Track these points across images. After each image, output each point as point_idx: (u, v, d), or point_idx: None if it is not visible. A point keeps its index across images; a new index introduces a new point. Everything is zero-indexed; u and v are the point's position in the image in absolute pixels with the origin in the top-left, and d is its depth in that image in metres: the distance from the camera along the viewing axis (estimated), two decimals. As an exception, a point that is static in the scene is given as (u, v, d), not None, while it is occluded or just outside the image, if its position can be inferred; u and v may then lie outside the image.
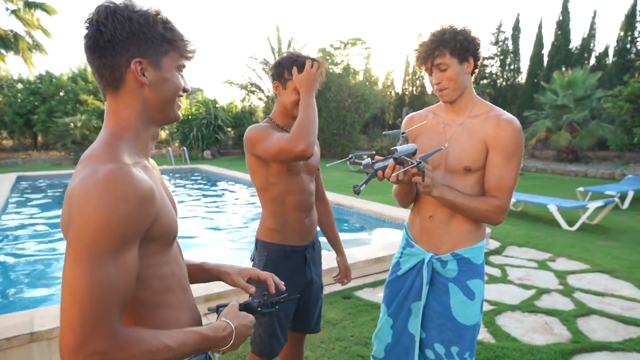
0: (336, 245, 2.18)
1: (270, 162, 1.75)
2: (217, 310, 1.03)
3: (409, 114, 1.86)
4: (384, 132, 1.63)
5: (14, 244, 5.51)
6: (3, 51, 14.12)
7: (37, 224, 6.52)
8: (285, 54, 1.80)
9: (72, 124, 15.44)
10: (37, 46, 14.60)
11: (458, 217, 1.62)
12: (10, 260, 4.84)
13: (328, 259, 3.94)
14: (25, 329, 2.48)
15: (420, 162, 1.36)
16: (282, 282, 1.21)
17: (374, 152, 1.49)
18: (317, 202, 2.09)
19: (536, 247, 5.09)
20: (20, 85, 20.28)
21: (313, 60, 1.74)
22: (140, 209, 0.77)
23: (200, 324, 1.02)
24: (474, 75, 1.64)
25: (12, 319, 2.62)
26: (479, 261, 1.65)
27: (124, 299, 0.76)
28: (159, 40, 0.88)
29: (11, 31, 14.03)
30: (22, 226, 6.36)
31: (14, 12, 14.06)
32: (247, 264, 1.92)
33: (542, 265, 4.45)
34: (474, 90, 1.66)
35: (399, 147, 1.39)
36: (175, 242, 0.99)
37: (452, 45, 1.52)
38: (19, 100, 19.13)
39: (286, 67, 1.74)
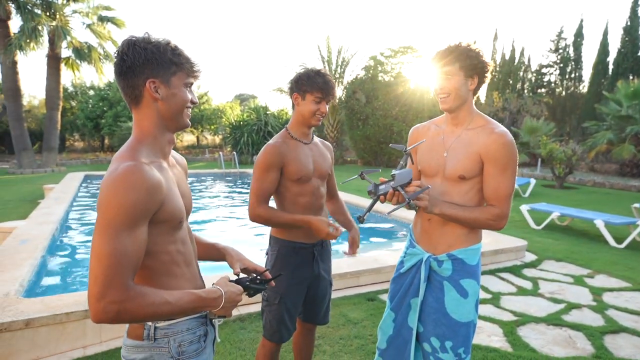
0: (348, 224, 2.29)
1: (286, 173, 1.96)
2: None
3: (427, 121, 2.01)
4: (390, 145, 1.80)
5: (78, 232, 6.15)
6: (78, 61, 15.51)
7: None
8: (308, 69, 2.00)
9: (134, 128, 16.59)
10: (107, 56, 15.86)
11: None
12: (74, 247, 5.41)
13: (353, 262, 4.09)
14: (82, 307, 2.85)
15: (409, 201, 1.54)
16: (270, 276, 1.39)
17: (379, 170, 1.69)
18: (330, 201, 2.28)
19: (575, 262, 4.93)
20: (91, 92, 22.10)
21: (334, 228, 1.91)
22: (148, 196, 1.02)
23: None
24: (475, 94, 1.76)
25: (72, 298, 3.02)
26: (473, 262, 1.76)
27: (135, 264, 1.02)
28: (168, 64, 1.12)
29: (86, 43, 15.39)
30: (86, 218, 7.03)
31: (88, 26, 15.43)
32: (264, 258, 2.14)
33: (578, 280, 4.33)
34: (474, 106, 1.79)
35: (397, 173, 1.57)
36: (184, 226, 1.23)
37: (462, 58, 1.66)
38: (89, 106, 20.85)
39: (308, 80, 1.94)
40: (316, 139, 2.15)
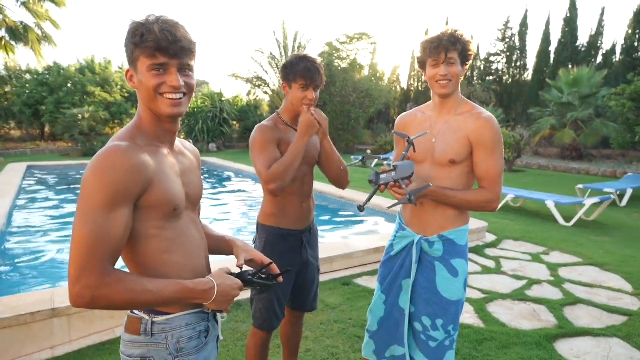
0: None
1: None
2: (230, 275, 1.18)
3: (412, 109, 2.02)
4: (393, 131, 1.81)
5: (27, 226, 5.74)
6: (13, 42, 14.32)
7: (49, 210, 6.75)
8: (292, 56, 1.96)
9: (79, 115, 15.65)
10: (46, 38, 14.78)
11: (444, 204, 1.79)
12: (27, 243, 5.06)
13: (329, 248, 4.13)
14: (47, 305, 2.67)
15: (410, 198, 1.55)
16: (278, 270, 1.30)
17: (382, 157, 1.69)
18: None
19: (531, 241, 5.25)
20: (28, 76, 20.50)
21: (308, 106, 1.87)
22: (127, 176, 0.96)
23: None
24: (460, 81, 1.81)
25: (35, 297, 2.82)
26: (463, 242, 1.82)
27: (114, 247, 0.96)
28: (132, 49, 1.04)
29: (21, 23, 14.22)
30: (35, 212, 6.59)
31: (23, 3, 14.24)
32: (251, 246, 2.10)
33: (535, 258, 4.62)
34: (460, 92, 1.84)
35: (399, 165, 1.57)
36: (185, 215, 1.15)
37: (463, 47, 1.72)
38: (27, 91, 19.36)
39: (291, 69, 1.89)
40: None
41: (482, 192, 1.74)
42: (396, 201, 1.58)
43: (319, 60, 1.94)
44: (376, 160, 1.70)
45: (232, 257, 1.32)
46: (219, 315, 1.24)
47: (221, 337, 1.28)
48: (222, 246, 1.36)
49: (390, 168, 1.61)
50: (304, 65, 1.88)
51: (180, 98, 1.08)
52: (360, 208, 1.61)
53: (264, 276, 1.23)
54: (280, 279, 1.27)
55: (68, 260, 0.94)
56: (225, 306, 1.12)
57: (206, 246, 1.26)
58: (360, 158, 1.69)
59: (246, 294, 2.97)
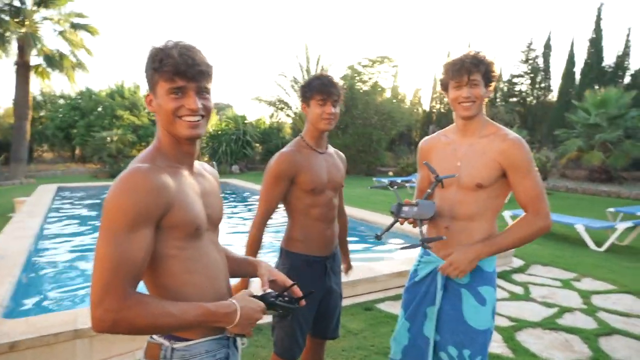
0: (344, 251, 2.36)
1: (299, 182, 1.91)
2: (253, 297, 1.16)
3: (435, 132, 2.00)
4: (424, 162, 1.82)
5: (56, 246, 5.88)
6: (49, 69, 15.01)
7: (77, 230, 6.90)
8: (312, 77, 1.98)
9: (108, 138, 16.15)
10: (79, 64, 15.42)
11: (470, 229, 1.74)
12: (55, 263, 5.17)
13: (351, 272, 4.06)
14: (70, 327, 2.70)
15: (423, 243, 1.59)
16: (301, 293, 1.27)
17: (407, 185, 1.71)
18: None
19: (561, 266, 5.05)
20: (61, 101, 21.41)
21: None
22: (148, 197, 0.97)
23: None
24: (484, 103, 1.78)
25: (59, 317, 2.86)
26: (490, 269, 1.76)
27: (136, 269, 0.96)
28: (151, 74, 1.07)
29: (57, 50, 14.92)
30: (64, 231, 6.75)
31: (60, 32, 14.97)
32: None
33: (566, 284, 4.42)
34: (484, 114, 1.80)
35: (421, 203, 1.59)
36: (206, 237, 1.15)
37: (486, 68, 1.70)
38: (60, 115, 20.18)
39: (308, 87, 1.93)
40: (331, 149, 2.10)
41: (529, 219, 1.67)
42: (408, 244, 1.59)
43: (335, 77, 1.96)
44: (396, 186, 1.70)
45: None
46: (239, 341, 1.21)
47: None
48: (245, 267, 1.35)
49: (414, 202, 1.59)
50: (320, 82, 1.90)
51: (199, 120, 1.09)
52: (378, 237, 1.61)
53: (287, 299, 1.20)
54: (303, 302, 1.24)
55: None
56: (248, 330, 1.09)
57: (227, 267, 1.24)
58: (388, 182, 1.68)
59: (267, 318, 2.94)
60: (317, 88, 1.89)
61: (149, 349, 1.09)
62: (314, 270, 1.97)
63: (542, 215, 1.66)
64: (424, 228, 1.61)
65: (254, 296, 1.15)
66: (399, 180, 1.67)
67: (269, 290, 1.22)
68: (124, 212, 0.94)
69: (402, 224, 1.62)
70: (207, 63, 1.09)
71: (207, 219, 1.15)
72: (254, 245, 1.95)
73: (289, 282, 1.28)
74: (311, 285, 1.93)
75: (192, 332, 1.09)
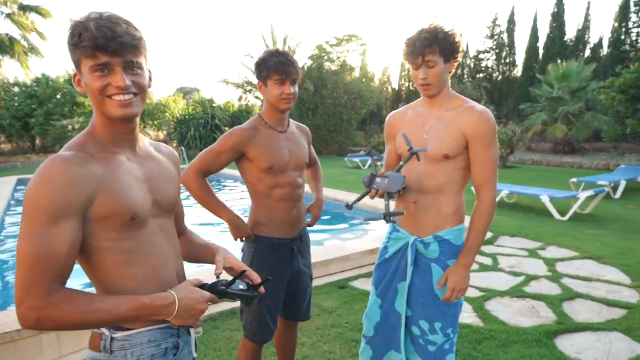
0: (315, 193, 2.24)
1: (252, 160, 1.86)
2: (201, 287, 1.08)
3: (402, 107, 1.98)
4: (403, 133, 1.76)
5: (16, 241, 5.63)
6: (-1, 55, 14.22)
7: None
8: (264, 52, 1.89)
9: (69, 126, 15.51)
10: (32, 49, 14.66)
11: (439, 202, 1.75)
12: (15, 257, 4.96)
13: (324, 251, 4.08)
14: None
15: (385, 217, 1.58)
16: (259, 279, 1.20)
17: (372, 153, 1.66)
18: (309, 168, 2.23)
19: (527, 236, 5.22)
20: (16, 89, 20.31)
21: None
22: (67, 189, 0.90)
23: None
24: (451, 74, 1.76)
25: (5, 317, 2.73)
26: (459, 242, 1.77)
27: (59, 264, 0.90)
28: (72, 50, 0.97)
29: (6, 35, 14.09)
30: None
31: (8, 15, 14.11)
32: (240, 256, 2.03)
33: (532, 253, 4.58)
34: (450, 87, 1.78)
35: (391, 176, 1.56)
36: (156, 223, 1.09)
37: (443, 45, 1.64)
38: (15, 104, 19.17)
39: (264, 65, 1.84)
40: (292, 125, 2.04)
41: (483, 208, 1.70)
42: (374, 216, 1.60)
43: (291, 53, 1.90)
44: (370, 160, 1.69)
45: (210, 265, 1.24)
46: (192, 330, 1.15)
47: (195, 354, 1.18)
48: (205, 254, 1.28)
49: (386, 175, 1.57)
50: (277, 60, 1.82)
51: (130, 98, 1.00)
52: (348, 206, 1.60)
53: (242, 287, 1.12)
54: (262, 289, 1.17)
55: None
56: (191, 321, 1.04)
57: (178, 255, 1.17)
58: (367, 152, 1.67)
59: (226, 305, 2.91)
60: (274, 67, 1.81)
61: (92, 339, 1.05)
62: (280, 253, 1.94)
63: (491, 195, 1.70)
64: (391, 203, 1.59)
65: (203, 285, 1.09)
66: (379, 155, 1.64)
67: (220, 278, 1.14)
68: (40, 205, 0.88)
69: (372, 197, 1.59)
70: (133, 34, 0.98)
71: (155, 204, 1.08)
72: (198, 192, 1.90)
73: (243, 267, 1.21)
74: (277, 268, 1.92)
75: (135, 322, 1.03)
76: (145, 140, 1.16)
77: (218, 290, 1.08)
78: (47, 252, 0.88)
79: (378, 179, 1.55)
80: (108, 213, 0.97)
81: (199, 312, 1.03)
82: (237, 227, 1.93)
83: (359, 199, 1.55)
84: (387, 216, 1.56)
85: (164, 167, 1.16)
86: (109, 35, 0.93)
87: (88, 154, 0.97)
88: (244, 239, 1.96)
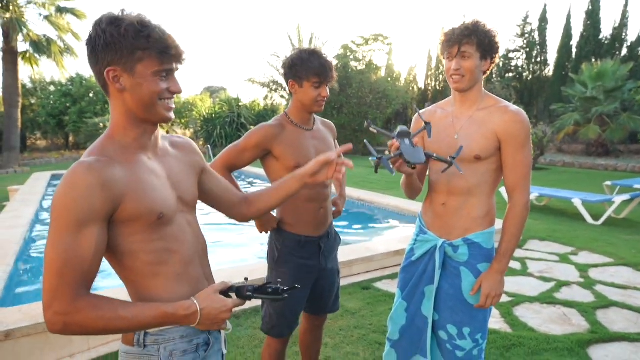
0: (339, 188, 2.23)
1: (279, 158, 1.84)
2: (228, 290, 1.08)
3: (431, 106, 1.93)
4: (417, 109, 1.68)
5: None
6: (37, 55, 14.68)
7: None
8: (295, 51, 1.86)
9: (101, 124, 15.95)
10: (68, 50, 15.06)
11: (469, 204, 1.70)
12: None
13: (348, 252, 4.05)
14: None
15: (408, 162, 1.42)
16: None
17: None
18: None
19: (558, 241, 5.05)
20: (52, 88, 21.08)
21: None
22: (91, 194, 0.91)
23: None
24: (485, 75, 1.71)
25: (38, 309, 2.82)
26: (490, 246, 1.72)
27: (85, 269, 0.92)
28: (130, 49, 0.95)
29: (44, 36, 14.56)
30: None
31: (46, 17, 14.58)
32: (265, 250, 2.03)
33: (563, 258, 4.43)
34: (483, 87, 1.73)
35: (418, 149, 1.44)
36: (184, 219, 1.10)
37: (482, 39, 1.60)
38: (51, 102, 19.90)
39: (303, 66, 1.80)
40: (318, 121, 2.01)
41: (516, 212, 1.65)
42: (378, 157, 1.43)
43: (328, 55, 1.87)
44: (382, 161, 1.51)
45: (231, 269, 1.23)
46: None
47: (225, 351, 1.20)
48: (287, 185, 1.30)
49: (416, 146, 1.45)
50: (318, 62, 1.79)
51: (174, 103, 1.06)
52: (369, 124, 1.48)
53: (269, 290, 1.09)
54: (286, 295, 1.12)
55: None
56: (214, 328, 1.05)
57: (205, 251, 1.19)
58: (379, 159, 1.49)
59: (249, 303, 2.92)
60: (315, 70, 1.78)
61: (125, 334, 1.06)
62: (307, 251, 1.92)
63: (524, 197, 1.65)
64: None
65: (230, 288, 1.08)
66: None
67: (247, 283, 1.12)
68: (66, 212, 0.90)
69: (390, 147, 1.45)
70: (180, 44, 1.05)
71: (180, 200, 1.09)
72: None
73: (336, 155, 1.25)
74: (304, 266, 1.90)
75: None
76: (160, 136, 1.17)
77: (244, 296, 1.07)
78: (73, 257, 0.90)
79: (407, 141, 1.45)
80: (135, 215, 0.98)
81: (221, 321, 1.04)
82: (264, 221, 1.91)
83: (381, 133, 1.49)
84: (377, 164, 1.44)
85: (182, 163, 1.17)
86: (176, 45, 1.00)
87: (109, 158, 0.97)
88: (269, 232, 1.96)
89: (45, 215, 6.94)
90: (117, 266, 1.04)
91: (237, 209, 1.33)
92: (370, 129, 1.46)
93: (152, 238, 1.02)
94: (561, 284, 3.70)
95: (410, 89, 22.19)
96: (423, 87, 23.62)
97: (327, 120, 2.12)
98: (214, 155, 16.44)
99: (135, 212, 0.98)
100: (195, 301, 1.01)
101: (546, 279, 3.83)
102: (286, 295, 1.08)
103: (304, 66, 1.79)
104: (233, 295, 1.08)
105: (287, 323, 1.94)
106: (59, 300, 0.89)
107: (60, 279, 0.89)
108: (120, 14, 0.97)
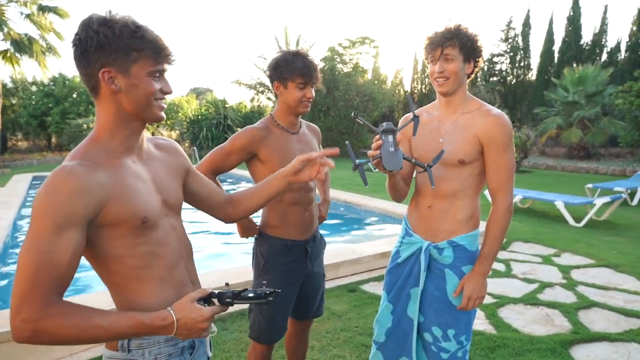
0: (323, 192, 2.24)
1: (264, 161, 1.83)
2: (209, 296, 1.05)
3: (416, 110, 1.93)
4: (410, 114, 1.61)
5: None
6: (18, 54, 14.38)
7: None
8: (279, 53, 1.86)
9: (84, 125, 15.71)
10: (50, 49, 14.79)
11: (454, 207, 1.71)
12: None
13: (334, 254, 4.05)
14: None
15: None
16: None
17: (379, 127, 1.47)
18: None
19: (542, 242, 5.13)
20: (34, 88, 20.68)
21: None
22: (72, 199, 0.89)
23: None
24: (469, 79, 1.73)
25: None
26: (474, 248, 1.74)
27: (59, 275, 0.88)
28: (126, 50, 0.95)
29: (25, 35, 14.28)
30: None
31: (28, 16, 14.29)
32: (250, 256, 2.02)
33: (546, 260, 4.50)
34: (467, 90, 1.75)
35: (399, 154, 1.43)
36: (168, 223, 1.09)
37: (464, 41, 1.62)
38: (33, 103, 19.52)
39: (287, 67, 1.80)
40: (303, 125, 2.01)
41: (499, 214, 1.66)
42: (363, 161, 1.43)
43: (314, 57, 1.87)
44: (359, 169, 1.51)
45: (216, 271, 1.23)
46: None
47: (210, 354, 1.19)
48: (270, 185, 1.29)
49: (397, 149, 1.44)
50: (302, 62, 1.79)
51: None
52: (355, 166, 1.43)
53: (252, 295, 1.06)
54: (270, 298, 1.09)
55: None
56: (193, 336, 1.01)
57: (190, 255, 1.18)
58: (355, 165, 1.43)
59: (235, 306, 2.90)
60: (299, 71, 1.78)
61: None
62: (293, 255, 1.91)
63: (507, 201, 1.66)
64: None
65: (210, 294, 1.05)
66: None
67: (227, 289, 1.08)
68: (45, 215, 0.87)
69: (373, 148, 1.44)
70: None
71: (164, 204, 1.08)
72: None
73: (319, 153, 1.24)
74: (290, 270, 1.89)
75: None
76: (145, 139, 1.15)
77: (224, 302, 1.05)
78: (47, 261, 0.86)
79: (390, 138, 1.42)
80: (119, 219, 0.96)
81: (199, 330, 1.00)
82: (245, 227, 1.91)
83: (366, 125, 1.50)
84: (357, 165, 1.42)
85: (166, 165, 1.16)
86: (167, 46, 1.01)
87: (93, 162, 0.96)
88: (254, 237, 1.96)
89: (26, 219, 6.80)
90: (101, 270, 1.02)
91: (222, 210, 1.32)
92: (357, 119, 1.46)
93: (137, 242, 1.00)
94: (544, 285, 3.76)
95: (397, 92, 22.35)
96: (409, 90, 23.80)
97: (312, 124, 2.12)
98: (200, 158, 16.31)
99: (118, 216, 0.96)
100: (171, 311, 0.97)
101: (530, 281, 3.88)
102: (270, 299, 1.06)
103: (288, 67, 1.79)
104: (215, 301, 1.05)
105: (277, 328, 1.93)
106: (28, 305, 0.84)
107: (31, 283, 0.85)
108: (109, 14, 0.96)
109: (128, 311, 0.97)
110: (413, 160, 1.53)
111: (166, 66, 1.03)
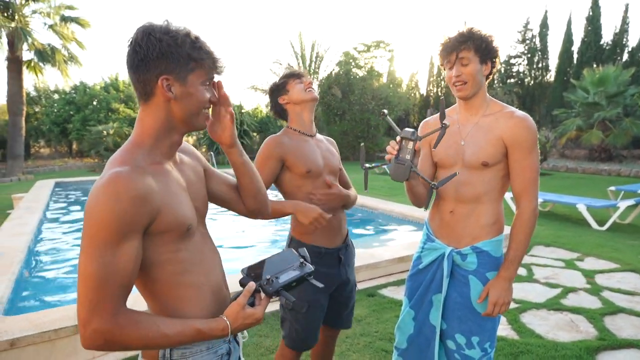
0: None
1: (292, 167, 1.85)
2: (247, 274, 1.09)
3: (432, 115, 1.93)
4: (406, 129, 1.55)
5: (55, 242, 5.84)
6: (41, 64, 14.80)
7: (75, 225, 6.87)
8: (268, 84, 2.04)
9: (104, 132, 16.03)
10: (72, 58, 15.18)
11: (477, 212, 1.69)
12: (54, 258, 5.13)
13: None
14: (71, 322, 2.66)
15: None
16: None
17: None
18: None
19: (564, 246, 5.03)
20: (56, 96, 21.23)
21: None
22: (133, 207, 0.89)
23: (225, 303, 1.12)
24: (488, 80, 1.71)
25: (59, 313, 2.82)
26: (498, 254, 1.71)
27: (124, 283, 0.90)
28: (186, 59, 0.98)
29: (49, 45, 14.68)
30: (63, 227, 6.71)
31: (51, 26, 14.71)
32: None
33: (569, 264, 4.40)
34: (487, 92, 1.73)
35: (406, 163, 1.45)
36: (199, 231, 1.11)
37: (478, 43, 1.60)
38: (55, 110, 20.02)
39: (279, 83, 1.97)
40: (319, 136, 2.05)
41: (525, 218, 1.63)
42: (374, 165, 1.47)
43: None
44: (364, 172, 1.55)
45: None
46: (239, 335, 1.19)
47: (242, 358, 1.22)
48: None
49: (405, 159, 1.46)
50: (289, 71, 1.98)
51: None
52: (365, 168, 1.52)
53: (295, 274, 1.10)
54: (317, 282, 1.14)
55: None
56: (244, 329, 1.07)
57: (220, 260, 1.20)
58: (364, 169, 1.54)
59: (271, 307, 2.91)
60: (290, 73, 1.94)
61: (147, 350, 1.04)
62: (326, 262, 1.90)
63: (532, 203, 1.63)
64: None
65: (255, 290, 1.06)
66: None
67: (264, 281, 1.09)
68: (106, 225, 0.87)
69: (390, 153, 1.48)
70: None
71: (196, 211, 1.10)
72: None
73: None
74: (326, 278, 1.87)
75: None
76: None
77: (270, 293, 1.07)
78: (113, 271, 0.87)
79: (408, 156, 1.43)
80: (168, 227, 0.98)
81: (250, 327, 1.06)
82: (303, 211, 1.79)
83: (392, 126, 1.51)
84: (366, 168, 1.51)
85: (194, 172, 1.17)
86: (218, 57, 1.05)
87: (141, 168, 0.96)
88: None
89: (48, 224, 6.96)
90: (141, 279, 1.01)
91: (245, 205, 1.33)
92: (385, 118, 1.47)
93: (179, 248, 1.02)
94: (568, 290, 3.68)
95: (412, 95, 22.24)
96: (425, 93, 23.65)
97: (329, 138, 2.16)
98: (217, 163, 16.47)
99: (168, 224, 0.98)
100: (224, 318, 1.02)
101: (552, 285, 3.81)
102: (320, 284, 1.12)
103: (283, 79, 1.95)
104: (262, 294, 1.08)
105: (314, 336, 1.94)
106: (99, 316, 0.85)
107: (100, 294, 0.86)
108: (167, 24, 0.99)
109: (188, 319, 1.00)
110: (421, 175, 1.48)
111: (213, 78, 1.07)
